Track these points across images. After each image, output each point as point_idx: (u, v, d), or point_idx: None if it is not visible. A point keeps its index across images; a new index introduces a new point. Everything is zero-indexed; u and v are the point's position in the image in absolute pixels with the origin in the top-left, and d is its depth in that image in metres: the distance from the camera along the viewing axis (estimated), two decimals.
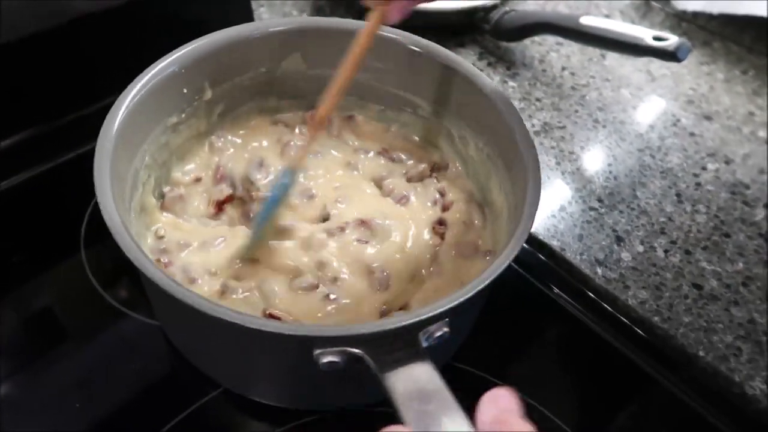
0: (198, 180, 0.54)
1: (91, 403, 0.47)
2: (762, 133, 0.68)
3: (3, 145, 0.61)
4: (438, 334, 0.36)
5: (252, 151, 0.55)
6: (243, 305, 0.45)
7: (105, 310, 0.51)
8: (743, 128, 0.68)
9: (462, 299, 0.37)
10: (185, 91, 0.51)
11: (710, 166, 0.64)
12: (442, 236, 0.52)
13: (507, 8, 0.74)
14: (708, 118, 0.69)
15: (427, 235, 0.51)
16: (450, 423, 0.28)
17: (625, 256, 0.56)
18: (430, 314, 0.36)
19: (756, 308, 0.53)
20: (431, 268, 0.50)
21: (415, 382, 0.32)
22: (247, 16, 0.73)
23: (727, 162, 0.65)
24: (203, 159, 0.55)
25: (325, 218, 0.51)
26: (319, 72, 0.51)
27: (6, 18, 0.55)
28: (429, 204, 0.53)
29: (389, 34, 0.53)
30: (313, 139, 0.49)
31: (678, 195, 0.61)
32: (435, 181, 0.56)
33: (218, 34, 0.51)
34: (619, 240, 0.57)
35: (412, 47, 0.53)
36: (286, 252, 0.48)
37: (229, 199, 0.53)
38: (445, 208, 0.54)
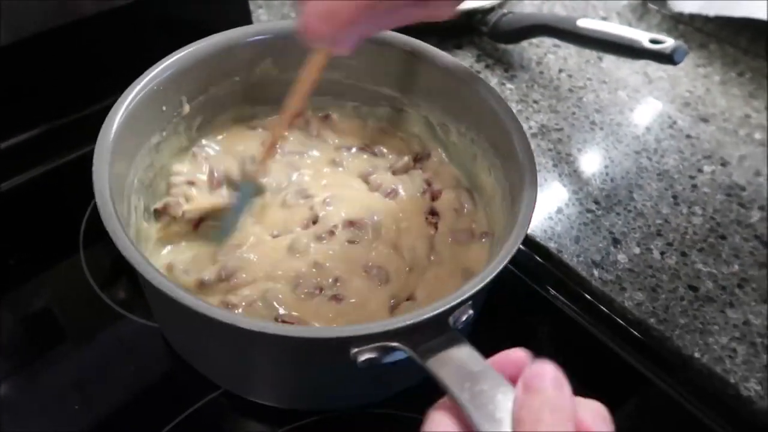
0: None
1: (89, 404, 0.47)
2: (758, 136, 0.68)
3: (3, 146, 0.61)
4: (464, 317, 0.38)
5: (237, 154, 0.54)
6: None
7: (103, 311, 0.52)
8: (739, 130, 0.68)
9: (486, 281, 0.39)
10: (164, 108, 0.50)
11: (706, 168, 0.64)
12: (435, 226, 0.52)
13: (505, 10, 0.74)
14: (704, 120, 0.69)
15: (420, 226, 0.52)
16: (505, 399, 0.28)
17: (622, 258, 0.56)
18: (460, 299, 0.38)
19: (751, 310, 0.53)
20: (431, 258, 0.50)
21: (459, 364, 0.32)
22: (246, 18, 0.73)
23: (723, 164, 0.65)
24: (189, 171, 0.54)
25: (315, 220, 0.51)
26: (291, 75, 0.50)
27: (6, 19, 0.55)
28: (418, 195, 0.54)
29: None
30: (274, 147, 0.51)
31: (674, 197, 0.62)
32: (420, 171, 0.56)
33: (194, 47, 0.51)
34: (615, 242, 0.58)
35: (381, 40, 0.53)
36: (278, 261, 0.48)
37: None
38: (434, 197, 0.54)
